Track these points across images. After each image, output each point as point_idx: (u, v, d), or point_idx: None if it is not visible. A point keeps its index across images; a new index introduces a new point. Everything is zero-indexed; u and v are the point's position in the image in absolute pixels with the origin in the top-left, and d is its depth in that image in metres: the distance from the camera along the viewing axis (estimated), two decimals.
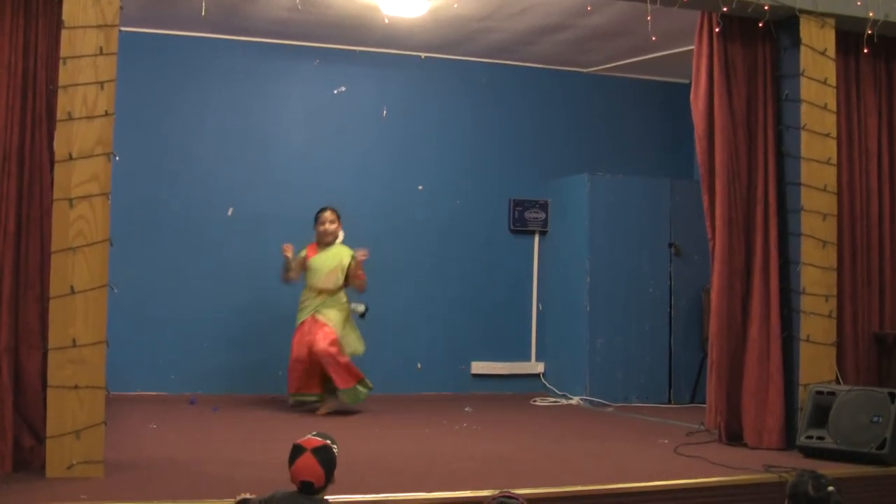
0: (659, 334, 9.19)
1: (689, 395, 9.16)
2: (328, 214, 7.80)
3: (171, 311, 8.58)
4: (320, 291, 7.71)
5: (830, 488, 3.77)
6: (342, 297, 7.81)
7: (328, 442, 4.01)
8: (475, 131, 9.67)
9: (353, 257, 7.72)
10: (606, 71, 9.94)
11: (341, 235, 7.88)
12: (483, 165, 9.65)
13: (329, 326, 7.61)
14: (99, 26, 5.03)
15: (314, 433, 4.07)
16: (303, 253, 7.80)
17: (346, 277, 7.77)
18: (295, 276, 7.82)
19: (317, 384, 7.73)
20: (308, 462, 3.91)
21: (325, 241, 7.79)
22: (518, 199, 9.67)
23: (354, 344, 7.80)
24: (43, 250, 5.07)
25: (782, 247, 6.58)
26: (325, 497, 4.04)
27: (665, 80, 10.20)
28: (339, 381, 7.56)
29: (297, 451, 3.95)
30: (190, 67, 8.84)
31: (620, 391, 9.01)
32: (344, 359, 7.58)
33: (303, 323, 7.73)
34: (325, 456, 3.94)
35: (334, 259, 7.76)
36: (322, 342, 7.52)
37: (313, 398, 7.77)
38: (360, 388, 7.67)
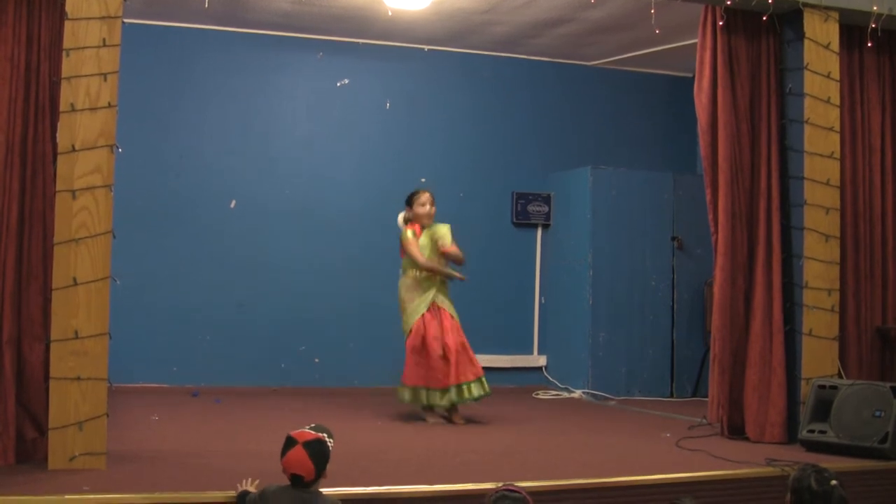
0: (661, 328, 9.19)
1: (692, 388, 9.16)
2: (428, 195, 7.34)
3: (173, 302, 8.59)
4: (431, 275, 7.30)
5: (833, 482, 3.77)
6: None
7: (322, 436, 4.00)
8: (478, 124, 9.66)
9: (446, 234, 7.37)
10: (610, 64, 9.93)
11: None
12: (486, 158, 9.65)
13: (454, 318, 7.28)
14: (102, 18, 5.02)
15: (311, 426, 4.07)
16: (410, 233, 7.30)
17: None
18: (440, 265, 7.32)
19: (464, 373, 7.14)
20: (298, 455, 3.91)
21: (424, 224, 7.34)
22: (521, 192, 9.66)
23: None
24: (46, 242, 5.07)
25: (785, 241, 6.58)
26: (320, 489, 4.05)
27: (668, 73, 10.19)
28: (472, 372, 7.17)
29: (289, 443, 3.96)
30: (193, 59, 8.83)
31: (623, 385, 9.01)
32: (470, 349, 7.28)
33: (426, 314, 7.19)
34: (316, 450, 3.93)
35: (441, 237, 7.33)
36: (454, 335, 7.19)
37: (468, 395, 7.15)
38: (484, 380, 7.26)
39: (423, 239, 7.33)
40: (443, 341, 7.14)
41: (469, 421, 7.20)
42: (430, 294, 7.26)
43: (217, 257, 8.75)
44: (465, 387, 7.12)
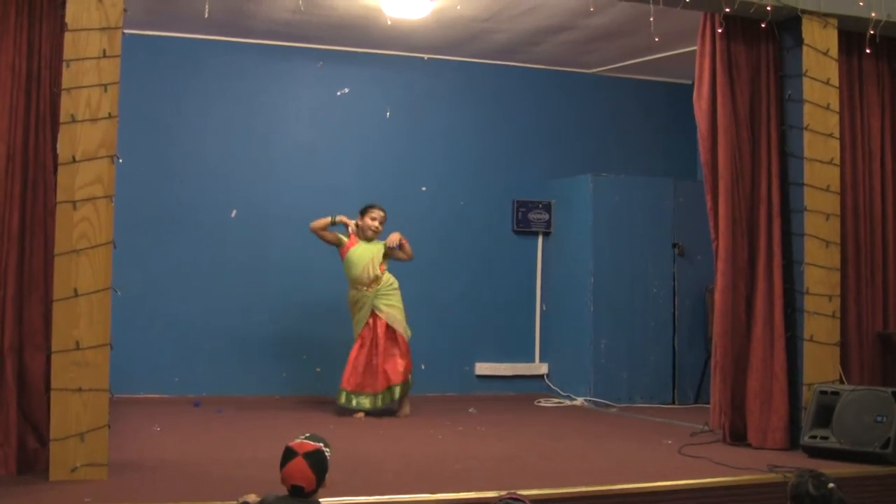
0: (663, 335, 9.18)
1: (694, 395, 9.15)
2: (381, 213, 7.91)
3: (174, 312, 8.59)
4: (367, 284, 7.78)
5: (831, 485, 3.79)
6: (387, 279, 7.88)
7: (320, 446, 3.99)
8: (478, 132, 9.67)
9: (385, 245, 7.90)
10: (610, 72, 9.94)
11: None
12: (486, 166, 9.65)
13: (391, 327, 7.79)
14: (102, 29, 5.04)
15: (307, 436, 4.06)
16: (344, 239, 7.85)
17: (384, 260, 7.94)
18: (327, 236, 7.84)
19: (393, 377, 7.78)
20: (299, 466, 3.90)
21: (367, 236, 7.88)
22: (521, 200, 9.67)
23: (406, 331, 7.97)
24: (47, 252, 5.08)
25: (786, 247, 6.58)
26: (319, 500, 4.04)
27: (668, 80, 10.20)
28: (391, 380, 7.77)
29: (288, 454, 3.95)
30: (193, 69, 8.85)
31: (624, 392, 9.00)
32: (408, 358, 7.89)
33: (366, 325, 7.79)
34: (316, 460, 3.92)
35: (372, 250, 7.84)
36: (385, 346, 7.77)
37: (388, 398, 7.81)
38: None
39: (359, 249, 7.82)
40: (373, 351, 7.73)
41: (412, 413, 7.85)
42: (368, 307, 7.79)
43: (218, 266, 8.76)
44: (388, 392, 7.76)
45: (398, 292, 7.90)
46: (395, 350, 7.78)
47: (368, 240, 7.88)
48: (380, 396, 7.72)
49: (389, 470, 5.43)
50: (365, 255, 7.81)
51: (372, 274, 7.77)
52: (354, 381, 7.72)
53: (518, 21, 8.29)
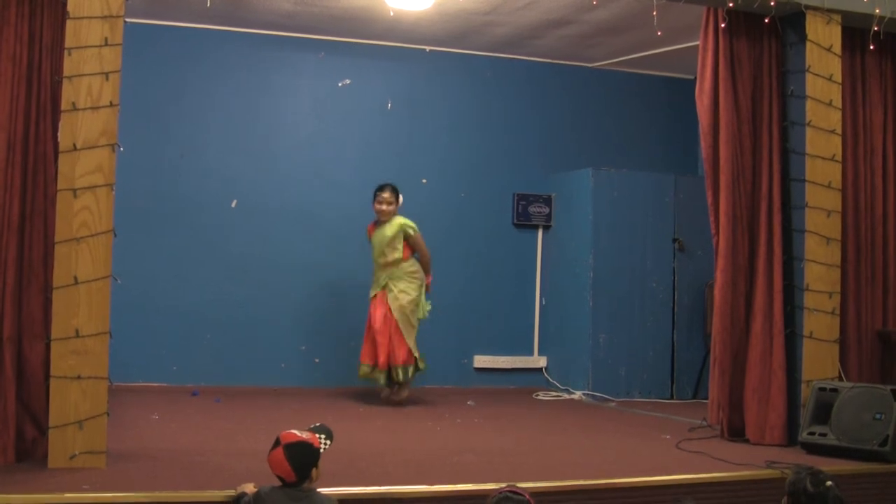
0: (662, 330, 9.18)
1: (692, 390, 9.16)
2: (387, 195, 7.93)
3: (174, 302, 8.58)
4: (382, 265, 7.88)
5: (828, 483, 3.79)
6: (407, 266, 7.94)
7: (308, 438, 3.96)
8: (480, 125, 9.66)
9: (414, 229, 7.93)
10: (611, 66, 9.93)
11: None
12: (487, 159, 9.64)
13: (399, 300, 7.82)
14: (104, 17, 5.03)
15: (312, 426, 4.05)
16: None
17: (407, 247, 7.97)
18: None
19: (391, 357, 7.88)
20: (278, 457, 3.91)
21: (381, 220, 7.95)
22: (522, 194, 9.66)
23: (423, 308, 8.02)
24: (47, 241, 5.08)
25: (786, 243, 6.58)
26: (316, 489, 4.03)
27: (670, 75, 10.19)
28: (398, 358, 7.87)
29: (275, 442, 3.95)
30: (195, 59, 8.83)
31: (623, 386, 9.00)
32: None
33: (375, 297, 7.92)
34: (296, 452, 3.90)
35: (386, 234, 7.89)
36: (387, 320, 7.84)
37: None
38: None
39: (377, 234, 7.96)
40: (378, 323, 7.81)
41: (408, 402, 7.92)
42: (379, 285, 7.91)
43: (217, 256, 8.75)
44: (392, 370, 7.83)
45: (417, 281, 7.93)
46: (390, 332, 7.80)
47: (382, 223, 7.93)
48: (384, 373, 7.79)
49: (387, 462, 5.43)
50: (379, 239, 7.91)
51: (382, 258, 7.87)
52: (366, 353, 7.84)
53: (520, 14, 8.28)
